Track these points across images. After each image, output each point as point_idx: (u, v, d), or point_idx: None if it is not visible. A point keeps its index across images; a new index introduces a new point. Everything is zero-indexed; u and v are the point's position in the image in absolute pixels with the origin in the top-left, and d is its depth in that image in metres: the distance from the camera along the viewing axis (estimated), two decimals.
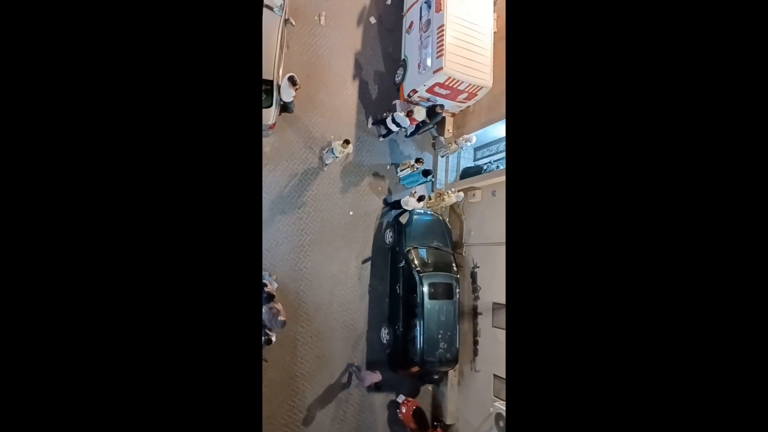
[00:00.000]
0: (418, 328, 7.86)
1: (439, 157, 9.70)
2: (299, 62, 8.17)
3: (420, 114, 8.52)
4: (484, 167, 9.47)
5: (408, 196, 8.39)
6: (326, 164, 8.26)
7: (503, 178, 8.08)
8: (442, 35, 7.92)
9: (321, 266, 8.11)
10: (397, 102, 8.91)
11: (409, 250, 8.31)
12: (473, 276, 8.75)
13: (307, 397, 7.75)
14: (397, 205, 8.73)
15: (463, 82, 8.16)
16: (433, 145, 9.68)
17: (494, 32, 8.55)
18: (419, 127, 8.79)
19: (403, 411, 7.92)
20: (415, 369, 8.01)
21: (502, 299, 7.89)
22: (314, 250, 8.07)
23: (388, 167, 9.09)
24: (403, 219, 8.58)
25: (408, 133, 9.16)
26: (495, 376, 7.92)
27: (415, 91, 8.60)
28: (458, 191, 8.85)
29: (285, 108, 7.55)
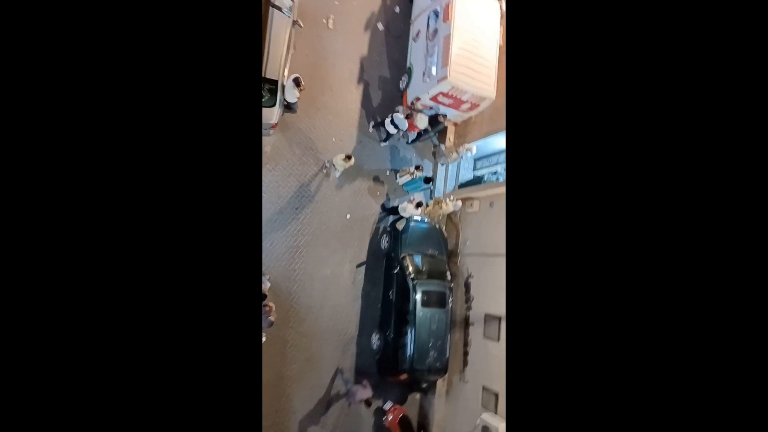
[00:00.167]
0: (409, 335, 7.83)
1: (439, 166, 9.73)
2: (305, 63, 8.19)
3: (422, 122, 8.54)
4: (484, 178, 9.50)
5: (406, 203, 8.38)
6: (336, 176, 8.31)
7: (502, 190, 8.11)
8: (449, 45, 7.98)
9: (315, 268, 8.07)
10: (400, 108, 8.96)
11: (404, 256, 8.30)
12: (467, 286, 8.74)
13: (294, 400, 7.68)
14: (394, 210, 8.73)
15: (466, 92, 8.20)
16: (434, 153, 9.72)
17: (500, 46, 8.62)
18: (421, 134, 8.82)
19: (390, 418, 7.86)
20: (404, 376, 7.96)
21: (495, 310, 7.88)
22: (309, 252, 8.04)
23: (388, 173, 9.10)
24: (400, 225, 8.57)
25: (409, 140, 9.20)
26: (484, 387, 7.89)
27: (418, 99, 8.64)
28: (456, 200, 8.87)
29: (288, 108, 7.59)
